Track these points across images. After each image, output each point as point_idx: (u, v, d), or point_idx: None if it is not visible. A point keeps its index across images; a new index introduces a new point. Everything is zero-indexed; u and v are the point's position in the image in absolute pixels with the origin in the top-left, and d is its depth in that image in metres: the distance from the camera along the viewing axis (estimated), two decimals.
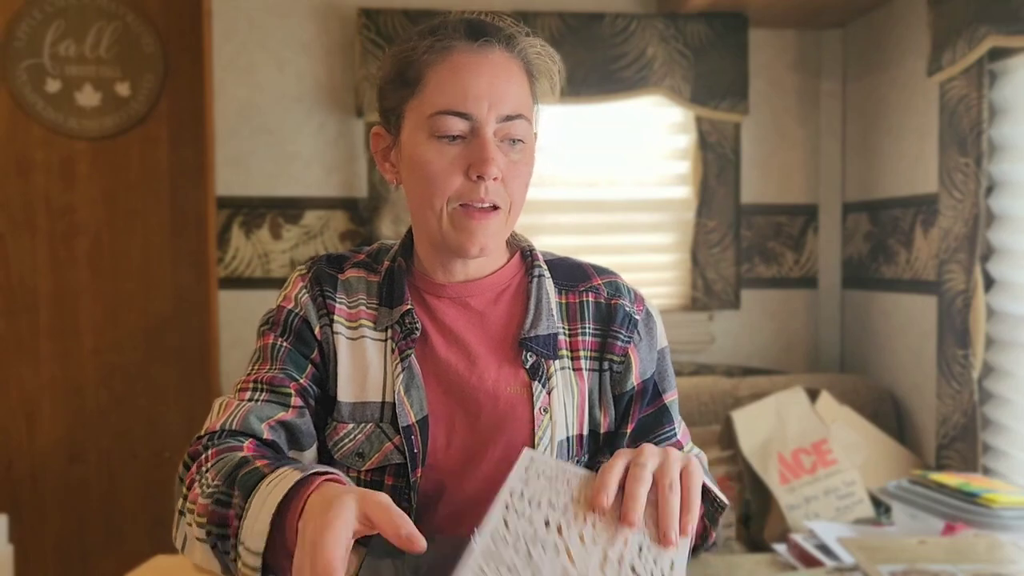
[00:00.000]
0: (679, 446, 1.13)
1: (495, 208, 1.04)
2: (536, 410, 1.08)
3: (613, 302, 1.14)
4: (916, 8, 2.59)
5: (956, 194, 2.32)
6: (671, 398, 1.15)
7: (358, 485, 1.07)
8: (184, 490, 0.97)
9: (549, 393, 1.08)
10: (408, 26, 2.71)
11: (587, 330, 1.13)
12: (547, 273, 1.15)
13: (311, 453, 1.08)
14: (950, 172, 2.34)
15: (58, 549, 3.00)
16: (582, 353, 1.12)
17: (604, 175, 2.93)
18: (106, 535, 3.02)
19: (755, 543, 2.45)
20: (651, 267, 2.98)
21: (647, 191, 2.96)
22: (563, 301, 1.14)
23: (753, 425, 2.53)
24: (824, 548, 1.99)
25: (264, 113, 2.80)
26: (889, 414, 2.71)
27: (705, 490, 0.97)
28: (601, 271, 1.18)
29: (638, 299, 1.17)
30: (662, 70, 2.82)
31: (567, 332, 1.12)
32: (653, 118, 2.94)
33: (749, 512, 2.50)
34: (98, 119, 2.97)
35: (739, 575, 2.01)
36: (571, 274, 1.16)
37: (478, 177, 1.02)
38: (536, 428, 1.07)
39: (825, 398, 2.60)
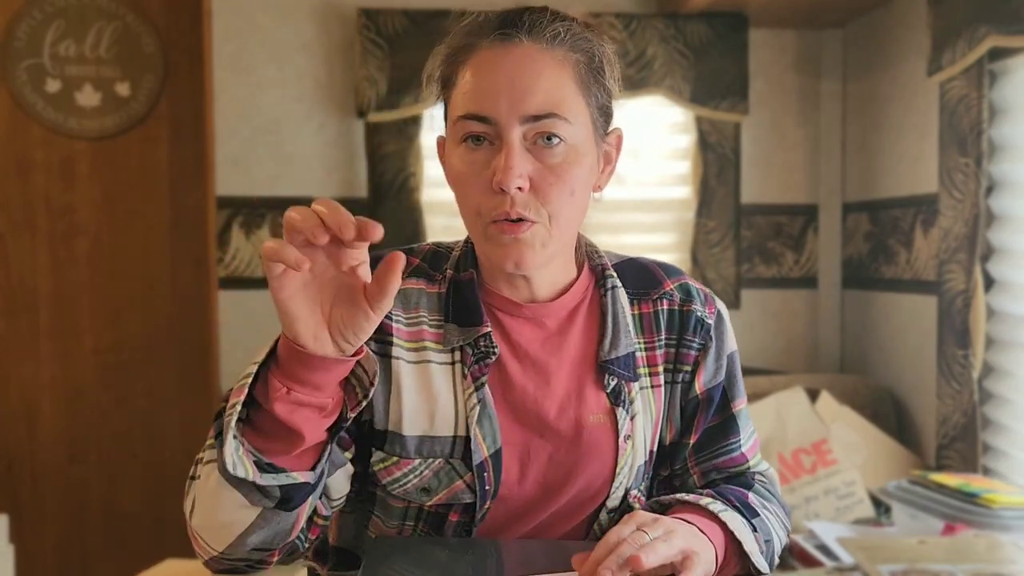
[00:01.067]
0: (743, 460, 1.07)
1: (529, 221, 0.94)
2: (621, 439, 1.01)
3: (686, 308, 1.06)
4: (916, 8, 2.58)
5: (956, 194, 2.32)
6: (740, 406, 1.08)
7: (421, 518, 1.01)
8: (198, 455, 0.94)
9: (632, 419, 1.02)
10: (408, 26, 2.71)
11: (662, 342, 1.05)
12: (619, 283, 1.07)
13: (336, 482, 0.98)
14: (950, 172, 2.34)
15: (58, 549, 3.00)
16: (660, 367, 1.05)
17: None
18: (106, 535, 3.02)
19: None
20: None
21: (647, 191, 2.96)
22: (636, 312, 1.06)
23: (753, 425, 2.53)
24: (824, 548, 1.99)
25: (264, 113, 2.80)
26: (889, 414, 2.71)
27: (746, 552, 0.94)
28: (670, 272, 1.10)
29: (708, 301, 1.09)
30: (662, 70, 2.82)
31: (643, 347, 1.05)
32: (653, 118, 2.93)
33: None
34: (98, 119, 2.97)
35: None
36: (642, 280, 1.08)
37: (500, 189, 0.93)
38: (620, 456, 1.01)
39: (825, 398, 2.60)
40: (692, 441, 1.06)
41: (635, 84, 2.81)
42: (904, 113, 2.69)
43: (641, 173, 2.95)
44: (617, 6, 2.86)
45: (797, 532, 2.16)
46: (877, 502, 2.36)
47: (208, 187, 2.80)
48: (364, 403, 0.87)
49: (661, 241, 2.99)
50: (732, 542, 0.93)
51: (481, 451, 0.98)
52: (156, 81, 2.98)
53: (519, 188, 0.93)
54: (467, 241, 1.06)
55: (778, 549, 1.01)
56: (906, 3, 2.67)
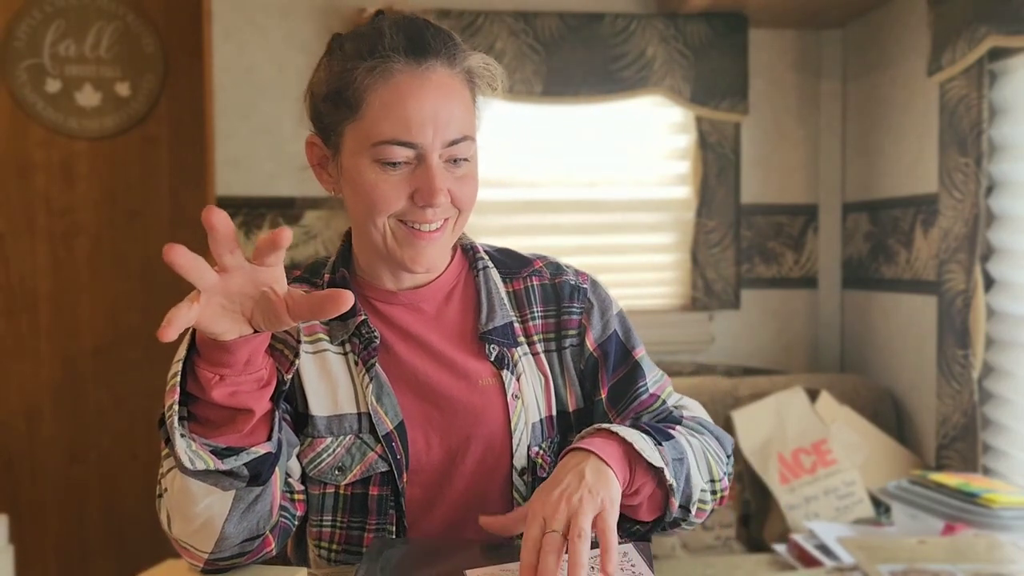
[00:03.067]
0: (652, 400, 1.13)
1: (443, 221, 1.04)
2: (509, 397, 1.08)
3: (557, 280, 1.16)
4: (916, 8, 2.59)
5: (956, 194, 2.32)
6: (640, 354, 1.16)
7: (340, 501, 1.07)
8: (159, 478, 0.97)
9: (518, 379, 1.10)
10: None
11: (536, 314, 1.14)
12: (490, 264, 1.16)
13: (295, 463, 1.07)
14: (950, 172, 2.34)
15: (58, 549, 3.00)
16: (536, 337, 1.13)
17: (604, 175, 2.93)
18: (106, 535, 3.02)
19: (755, 543, 2.45)
20: (651, 267, 2.98)
21: (647, 191, 2.96)
22: (510, 289, 1.15)
23: (753, 425, 2.53)
24: (824, 548, 1.99)
25: (264, 113, 2.80)
26: (889, 414, 2.71)
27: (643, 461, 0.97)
28: (539, 256, 1.20)
29: (579, 273, 1.19)
30: (662, 70, 2.82)
31: (519, 319, 1.13)
32: (653, 118, 2.93)
33: (749, 512, 2.50)
34: (98, 119, 2.97)
35: (739, 575, 2.02)
36: (512, 262, 1.18)
37: (424, 205, 1.01)
38: (511, 414, 1.08)
39: (825, 398, 2.60)
40: (604, 396, 1.12)
41: (635, 84, 2.81)
42: (904, 113, 2.69)
43: (641, 173, 2.96)
44: (617, 6, 2.86)
45: (797, 532, 2.16)
46: (877, 502, 2.36)
47: (208, 187, 2.80)
48: (297, 362, 0.90)
49: (661, 241, 2.99)
50: (634, 457, 0.96)
51: (385, 424, 1.05)
52: (156, 81, 2.98)
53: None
54: (343, 243, 1.15)
55: (704, 470, 1.04)
56: (906, 3, 2.67)
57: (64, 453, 3.00)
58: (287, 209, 2.82)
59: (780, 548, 2.10)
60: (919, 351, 2.63)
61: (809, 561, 1.96)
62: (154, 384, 3.02)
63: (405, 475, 1.06)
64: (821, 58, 3.03)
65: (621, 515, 0.95)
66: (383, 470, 1.05)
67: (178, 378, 0.86)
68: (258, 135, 2.80)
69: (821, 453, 2.47)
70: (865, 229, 2.92)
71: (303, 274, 1.15)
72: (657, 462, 0.96)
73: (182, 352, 0.88)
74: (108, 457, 3.02)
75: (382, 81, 1.00)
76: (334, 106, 1.03)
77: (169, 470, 0.92)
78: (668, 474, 0.96)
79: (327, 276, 1.13)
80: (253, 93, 2.79)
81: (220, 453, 0.87)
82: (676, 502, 0.98)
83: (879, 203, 2.84)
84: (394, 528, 1.07)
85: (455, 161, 1.03)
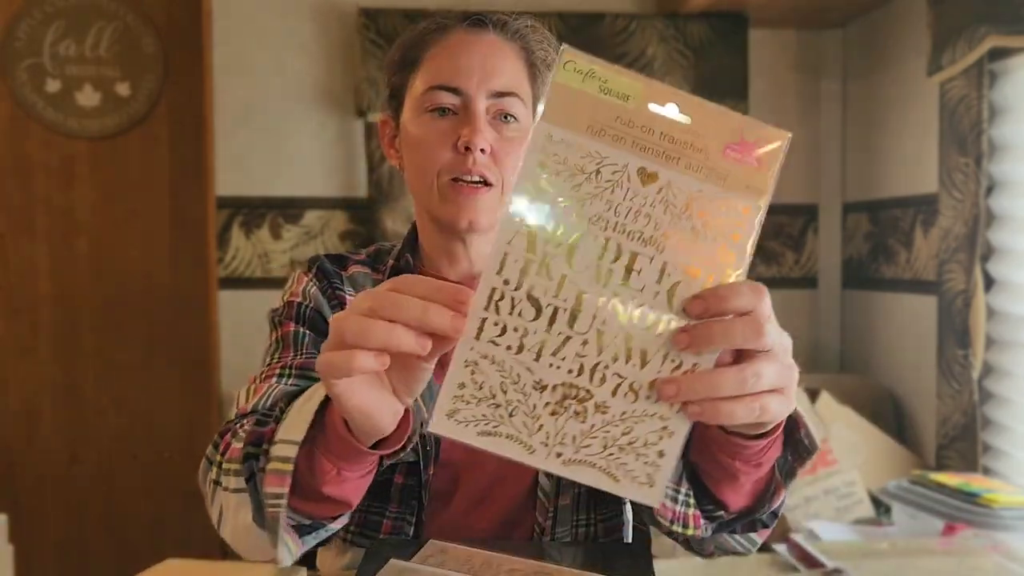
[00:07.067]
0: None
1: (487, 184, 1.03)
2: None
3: None
4: (916, 8, 2.58)
5: (956, 194, 2.32)
6: None
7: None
8: (218, 457, 0.90)
9: None
10: (408, 26, 2.70)
11: None
12: None
13: None
14: (950, 172, 2.34)
15: (58, 549, 3.00)
16: None
17: None
18: (106, 535, 3.02)
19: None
20: None
21: None
22: None
23: None
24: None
25: (264, 113, 2.80)
26: (889, 414, 2.71)
27: (792, 427, 0.84)
28: None
29: None
30: (662, 70, 2.82)
31: None
32: None
33: None
34: (98, 119, 2.97)
35: (739, 575, 2.01)
36: None
37: (465, 148, 1.01)
38: None
39: (825, 398, 2.60)
40: None
41: None
42: (904, 113, 2.69)
43: None
44: (617, 6, 2.86)
45: (797, 532, 2.16)
46: (877, 502, 2.36)
47: (208, 187, 2.80)
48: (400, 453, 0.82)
49: None
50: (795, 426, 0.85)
51: (422, 411, 0.98)
52: (156, 81, 2.98)
53: (482, 150, 1.02)
54: (410, 232, 1.15)
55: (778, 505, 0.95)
56: (906, 3, 2.67)
57: (64, 453, 3.00)
58: (287, 209, 2.82)
59: (780, 548, 2.10)
60: (919, 351, 2.62)
61: (809, 561, 1.96)
62: (154, 384, 3.02)
63: (432, 467, 1.04)
64: (821, 58, 3.03)
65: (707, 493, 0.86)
66: (410, 460, 1.04)
67: (291, 467, 0.76)
68: (258, 135, 2.80)
69: (821, 453, 2.47)
70: (865, 229, 2.92)
71: (366, 259, 1.14)
72: (812, 440, 0.84)
73: (297, 433, 0.77)
74: (108, 457, 3.01)
75: (438, 38, 1.07)
76: (398, 69, 1.10)
77: (238, 490, 0.84)
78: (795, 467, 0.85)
79: (391, 262, 1.12)
80: (253, 93, 2.80)
81: (304, 530, 0.82)
82: (784, 494, 0.87)
83: (879, 203, 2.84)
84: (413, 518, 1.05)
85: (504, 117, 1.04)
